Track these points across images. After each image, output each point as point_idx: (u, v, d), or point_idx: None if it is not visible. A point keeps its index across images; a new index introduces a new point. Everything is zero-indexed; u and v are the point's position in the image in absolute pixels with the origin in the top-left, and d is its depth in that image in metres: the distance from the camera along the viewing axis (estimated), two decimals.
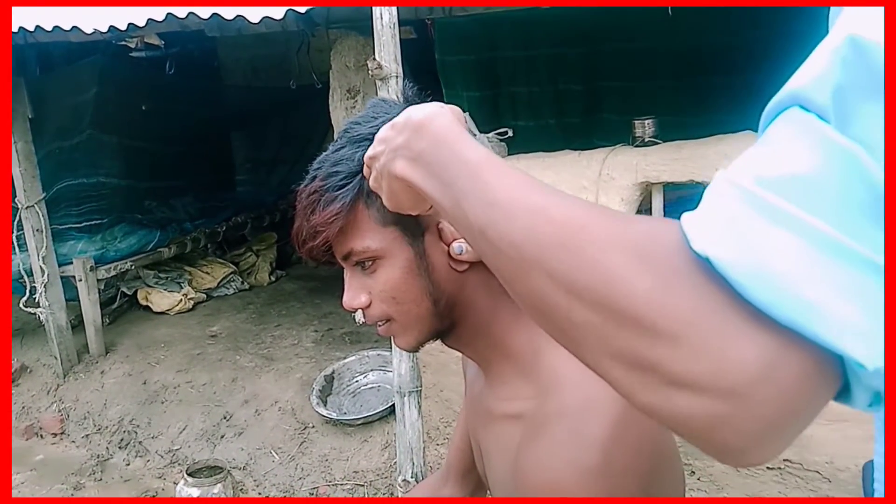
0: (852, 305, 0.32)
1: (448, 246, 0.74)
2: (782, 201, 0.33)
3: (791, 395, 0.33)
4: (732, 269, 0.34)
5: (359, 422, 3.22)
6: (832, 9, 0.38)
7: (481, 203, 0.46)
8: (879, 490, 0.52)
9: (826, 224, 0.32)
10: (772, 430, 0.34)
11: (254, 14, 2.67)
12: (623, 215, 0.41)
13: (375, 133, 0.71)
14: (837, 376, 0.34)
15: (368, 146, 0.71)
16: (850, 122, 0.32)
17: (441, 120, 0.55)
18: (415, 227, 0.73)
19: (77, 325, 4.11)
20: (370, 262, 0.75)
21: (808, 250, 0.32)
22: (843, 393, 0.35)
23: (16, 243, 3.94)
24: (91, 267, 4.05)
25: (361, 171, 0.71)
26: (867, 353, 0.32)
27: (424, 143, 0.54)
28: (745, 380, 0.33)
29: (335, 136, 0.79)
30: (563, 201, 0.43)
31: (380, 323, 0.79)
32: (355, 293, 0.76)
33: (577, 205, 0.42)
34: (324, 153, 0.76)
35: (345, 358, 3.63)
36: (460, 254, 0.74)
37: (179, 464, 3.29)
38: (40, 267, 3.84)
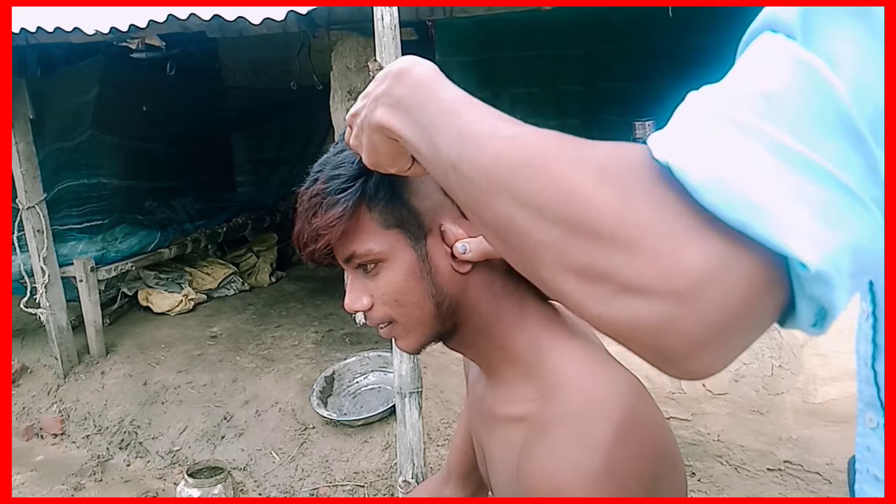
0: (801, 209, 0.33)
1: (451, 247, 0.74)
2: (743, 111, 0.34)
3: (736, 298, 0.34)
4: (689, 175, 0.34)
5: (359, 423, 3.22)
6: None
7: (454, 136, 0.47)
8: (862, 490, 0.52)
9: (782, 133, 0.33)
10: (715, 336, 0.35)
11: (255, 15, 2.67)
12: (591, 142, 0.41)
13: None
14: (783, 286, 0.35)
15: None
16: (814, 38, 0.34)
17: (420, 67, 0.56)
18: (417, 229, 0.73)
19: (77, 325, 4.11)
20: (372, 265, 0.74)
21: (763, 157, 0.33)
22: (790, 313, 0.36)
23: (16, 244, 3.94)
24: (92, 268, 4.06)
25: (363, 173, 0.71)
26: (812, 254, 0.32)
27: (405, 88, 0.55)
28: (692, 281, 0.34)
29: (335, 138, 0.79)
30: (534, 132, 0.44)
31: (382, 325, 0.79)
32: (357, 296, 0.76)
33: (547, 134, 0.43)
34: (325, 155, 0.76)
35: (345, 359, 3.64)
36: (463, 253, 0.73)
37: (180, 464, 3.29)
38: (41, 268, 3.84)
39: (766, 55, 0.36)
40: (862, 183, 0.33)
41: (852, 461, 0.55)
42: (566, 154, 0.40)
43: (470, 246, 0.74)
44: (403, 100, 0.55)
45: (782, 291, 0.35)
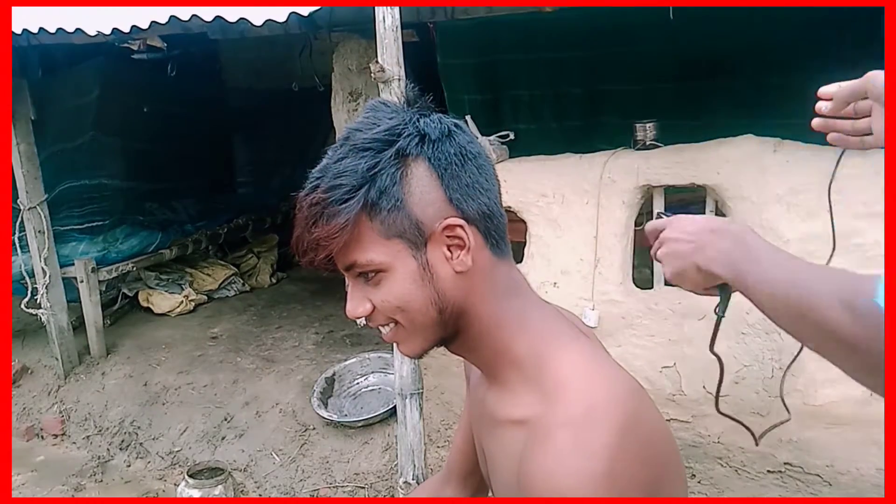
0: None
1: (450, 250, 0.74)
2: None
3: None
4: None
5: (359, 424, 3.22)
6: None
7: (757, 281, 0.76)
8: None
9: None
10: (880, 354, 0.58)
11: (257, 17, 2.68)
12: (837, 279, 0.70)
13: (377, 139, 0.71)
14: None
15: (371, 155, 0.70)
16: None
17: (734, 227, 0.82)
18: (418, 237, 0.73)
19: (78, 326, 4.12)
20: (373, 274, 0.74)
21: None
22: None
23: (18, 244, 3.95)
24: (92, 268, 4.06)
25: (365, 183, 0.70)
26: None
27: (727, 243, 0.80)
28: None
29: (336, 139, 0.78)
30: (802, 272, 0.72)
31: (383, 327, 0.79)
32: (358, 302, 0.76)
33: (810, 271, 0.72)
34: (325, 159, 0.74)
35: (346, 360, 3.64)
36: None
37: (180, 465, 3.29)
38: (42, 268, 3.84)
39: None
40: None
41: None
42: (824, 291, 0.68)
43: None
44: (724, 252, 0.79)
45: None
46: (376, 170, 0.71)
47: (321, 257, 0.72)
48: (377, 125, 0.73)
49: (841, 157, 0.95)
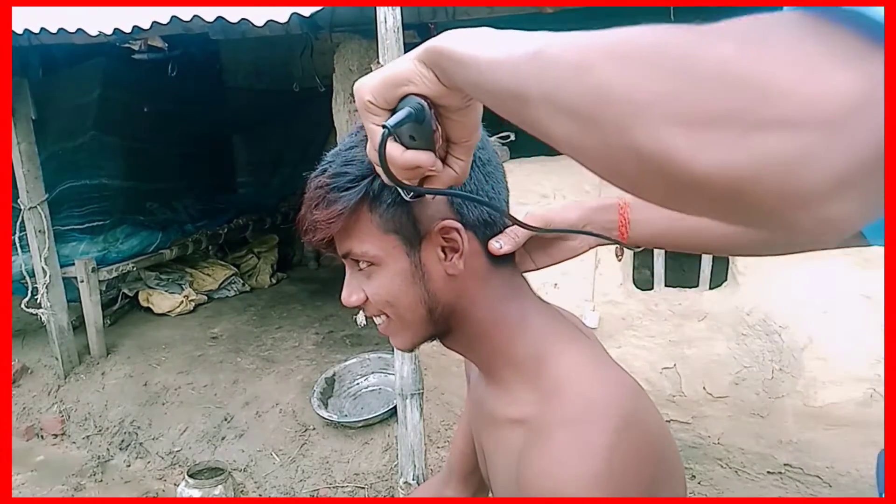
0: None
1: (460, 252, 0.74)
2: None
3: (880, 130, 0.31)
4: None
5: (359, 424, 3.22)
6: None
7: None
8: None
9: None
10: (859, 173, 0.32)
11: (258, 17, 2.68)
12: None
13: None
14: None
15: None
16: None
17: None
18: (413, 235, 0.73)
19: (78, 326, 4.12)
20: (367, 265, 0.75)
21: None
22: None
23: (18, 244, 3.95)
24: (93, 268, 4.06)
25: (371, 174, 0.71)
26: None
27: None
28: (840, 108, 0.31)
29: (338, 140, 0.79)
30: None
31: (377, 318, 0.80)
32: (352, 290, 0.78)
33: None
34: (338, 146, 0.76)
35: (346, 360, 3.64)
36: (500, 248, 0.76)
37: (180, 465, 3.30)
38: (42, 268, 3.85)
39: None
40: None
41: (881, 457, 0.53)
42: (680, 30, 0.39)
43: (503, 242, 0.76)
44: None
45: None
46: None
47: (318, 238, 0.74)
48: None
49: None
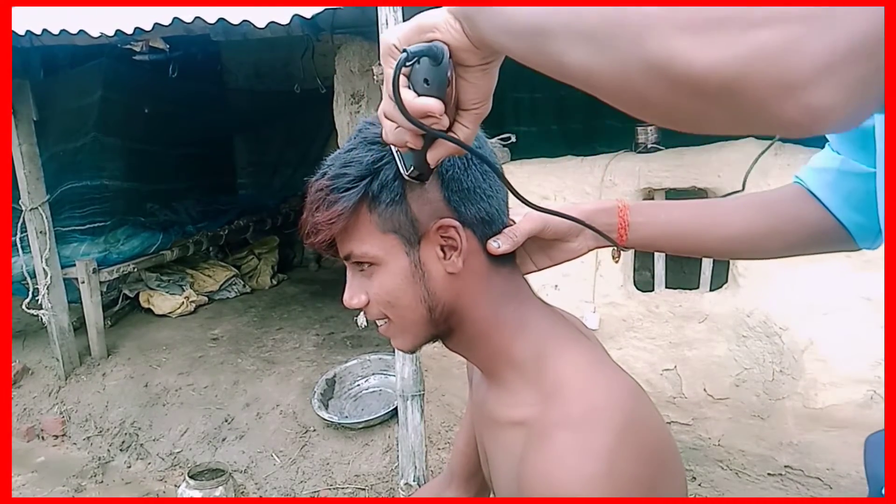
0: None
1: (459, 251, 0.75)
2: None
3: (868, 25, 0.35)
4: None
5: (360, 425, 3.22)
6: None
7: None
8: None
9: None
10: (840, 61, 0.35)
11: (260, 19, 2.68)
12: None
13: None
14: None
15: (379, 149, 0.72)
16: None
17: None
18: (412, 235, 0.74)
19: (79, 327, 4.12)
20: (367, 266, 0.76)
21: None
22: None
23: (19, 245, 3.95)
24: (94, 269, 4.07)
25: (368, 175, 0.72)
26: None
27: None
28: (821, 3, 0.35)
29: (339, 141, 0.79)
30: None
31: (378, 321, 0.80)
32: (354, 292, 0.78)
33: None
34: (338, 150, 0.77)
35: (346, 362, 3.64)
36: (498, 248, 0.76)
37: (181, 466, 3.30)
38: (43, 269, 3.85)
39: None
40: None
41: (872, 439, 0.53)
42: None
43: (501, 242, 0.76)
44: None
45: None
46: (381, 163, 0.72)
47: (319, 240, 0.74)
48: None
49: (766, 149, 0.96)
